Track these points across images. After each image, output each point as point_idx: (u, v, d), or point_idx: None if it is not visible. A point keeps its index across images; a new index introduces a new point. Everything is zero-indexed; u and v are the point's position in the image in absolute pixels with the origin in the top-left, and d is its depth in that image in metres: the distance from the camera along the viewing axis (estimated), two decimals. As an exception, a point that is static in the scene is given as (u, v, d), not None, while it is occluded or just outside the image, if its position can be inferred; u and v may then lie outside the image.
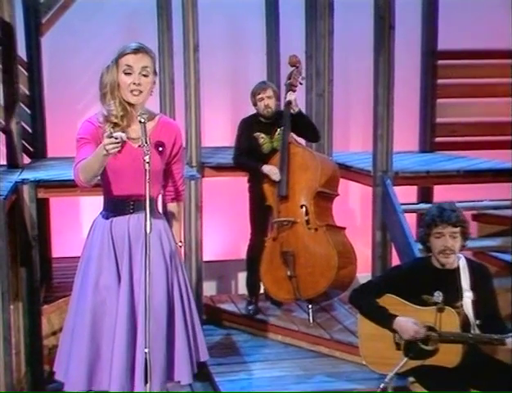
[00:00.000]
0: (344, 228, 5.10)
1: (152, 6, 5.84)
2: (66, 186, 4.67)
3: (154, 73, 3.04)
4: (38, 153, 5.73)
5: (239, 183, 5.35)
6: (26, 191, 4.68)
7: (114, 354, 2.97)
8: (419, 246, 3.88)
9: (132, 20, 6.07)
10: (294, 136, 5.13)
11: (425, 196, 5.88)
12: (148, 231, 2.80)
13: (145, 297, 2.80)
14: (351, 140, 6.52)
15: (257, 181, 5.05)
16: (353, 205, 6.56)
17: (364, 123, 5.67)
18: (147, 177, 2.77)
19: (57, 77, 5.99)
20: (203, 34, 5.77)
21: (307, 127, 5.08)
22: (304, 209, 4.94)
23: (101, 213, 3.14)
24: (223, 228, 6.29)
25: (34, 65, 5.67)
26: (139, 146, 2.93)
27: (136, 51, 2.97)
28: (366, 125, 5.23)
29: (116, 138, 2.73)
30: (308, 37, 5.83)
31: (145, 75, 2.98)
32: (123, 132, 2.95)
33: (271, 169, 4.96)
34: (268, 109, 5.07)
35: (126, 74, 2.97)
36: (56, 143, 5.74)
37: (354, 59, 6.15)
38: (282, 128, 5.05)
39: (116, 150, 2.75)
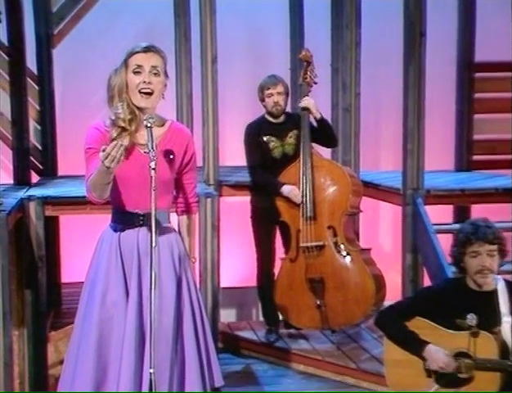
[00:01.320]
0: (370, 250, 5.00)
1: (170, 16, 5.85)
2: (76, 203, 4.68)
3: (166, 74, 3.01)
4: (48, 171, 5.72)
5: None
6: (33, 208, 4.67)
7: (121, 375, 2.94)
8: (453, 269, 3.77)
9: (149, 31, 6.07)
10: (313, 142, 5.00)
11: (462, 216, 5.75)
12: (154, 244, 2.77)
13: (150, 314, 2.77)
14: (381, 158, 6.43)
15: (261, 193, 4.92)
16: (381, 225, 6.45)
17: (395, 139, 5.59)
18: (153, 184, 2.75)
19: (69, 91, 6.00)
20: (223, 47, 5.78)
21: (328, 132, 4.94)
22: (332, 230, 4.83)
23: (109, 225, 3.11)
24: (244, 253, 6.21)
25: (45, 78, 5.69)
26: (144, 152, 2.89)
27: (147, 49, 2.96)
28: (397, 142, 5.15)
29: (109, 153, 2.70)
30: (334, 48, 5.81)
31: (155, 74, 2.96)
32: (132, 137, 2.94)
33: (291, 191, 4.81)
34: (278, 106, 4.94)
35: (135, 73, 2.95)
36: (67, 161, 5.73)
37: (383, 71, 6.09)
38: (295, 131, 4.91)
39: (116, 163, 2.72)
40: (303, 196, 4.81)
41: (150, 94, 2.95)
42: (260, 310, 5.48)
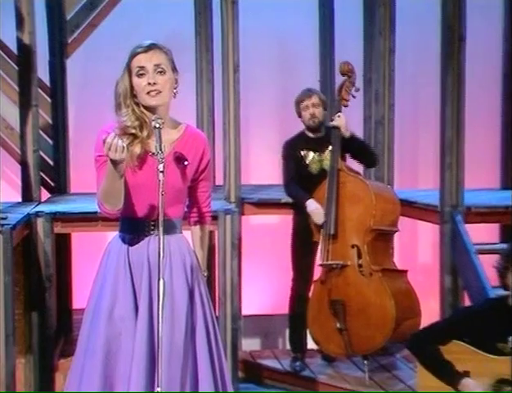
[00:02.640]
0: (406, 272, 4.91)
1: (192, 25, 5.86)
2: (87, 219, 4.68)
3: (174, 70, 2.98)
4: (60, 188, 5.72)
5: (288, 223, 5.20)
6: (40, 224, 4.67)
7: (129, 397, 2.90)
8: (498, 291, 3.68)
9: (169, 40, 6.04)
10: (350, 159, 5.00)
11: (509, 235, 5.60)
12: (161, 253, 2.73)
13: (159, 328, 2.71)
14: (419, 176, 6.34)
15: (302, 211, 4.92)
16: (417, 245, 6.34)
17: (434, 155, 5.49)
18: (161, 189, 2.72)
19: (83, 104, 6.00)
20: (249, 57, 5.76)
21: (361, 151, 4.96)
22: (356, 250, 4.77)
23: (117, 234, 3.07)
24: (271, 278, 6.13)
25: (58, 89, 5.71)
26: (152, 154, 2.87)
27: (147, 49, 2.94)
28: (437, 158, 5.06)
29: (109, 143, 2.68)
30: (366, 57, 5.79)
31: (160, 73, 2.92)
32: (143, 143, 2.91)
33: (314, 209, 4.81)
34: (314, 119, 4.97)
35: (139, 76, 2.93)
36: (80, 178, 5.72)
37: (419, 80, 6.03)
38: (331, 146, 4.90)
39: (121, 153, 2.70)
40: (326, 214, 4.78)
41: (158, 93, 2.92)
42: (286, 339, 5.39)
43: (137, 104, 2.94)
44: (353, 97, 4.90)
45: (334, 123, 4.84)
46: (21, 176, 5.26)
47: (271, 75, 6.22)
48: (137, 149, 2.91)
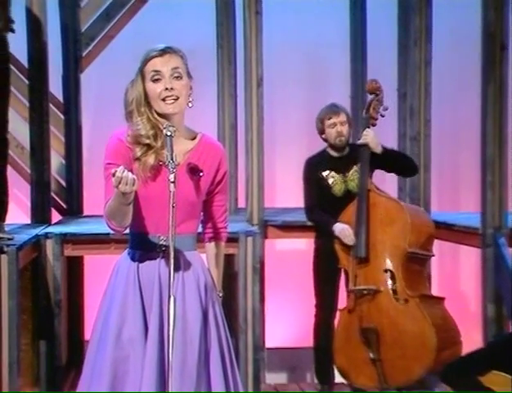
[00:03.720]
0: (443, 299, 4.86)
1: (213, 37, 5.89)
2: (99, 241, 4.69)
3: (189, 76, 2.98)
4: (72, 210, 5.74)
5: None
6: (50, 246, 4.70)
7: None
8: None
9: (190, 54, 6.09)
10: (388, 173, 4.96)
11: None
12: (172, 272, 2.74)
13: (168, 354, 2.71)
14: (460, 197, 6.27)
15: (326, 236, 4.88)
16: (458, 271, 6.26)
17: (475, 173, 5.43)
18: (172, 201, 2.74)
19: (98, 122, 6.02)
20: (274, 71, 5.76)
21: (398, 161, 4.91)
22: (389, 274, 4.73)
23: (126, 251, 3.06)
24: (297, 307, 6.07)
25: (71, 106, 5.75)
26: (162, 162, 2.86)
27: (162, 52, 2.93)
28: (478, 176, 5.00)
29: (119, 177, 2.69)
30: (401, 70, 5.77)
31: (177, 77, 2.92)
32: (157, 154, 2.90)
33: (343, 231, 4.77)
34: (341, 137, 4.92)
35: (155, 81, 2.92)
36: (94, 199, 5.72)
37: (457, 92, 5.98)
38: (359, 165, 4.86)
39: (131, 186, 2.71)
40: (357, 236, 4.76)
41: (175, 99, 2.92)
42: (314, 372, 5.33)
43: (151, 111, 2.93)
44: (382, 116, 4.89)
45: (363, 140, 4.81)
46: (30, 196, 5.30)
47: (298, 90, 6.20)
48: (151, 159, 2.91)
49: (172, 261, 2.74)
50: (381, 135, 4.93)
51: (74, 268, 5.46)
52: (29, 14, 5.23)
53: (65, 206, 5.75)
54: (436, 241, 5.04)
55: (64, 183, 5.77)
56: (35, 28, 5.23)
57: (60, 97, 5.78)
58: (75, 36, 5.72)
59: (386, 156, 4.85)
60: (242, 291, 4.81)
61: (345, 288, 4.94)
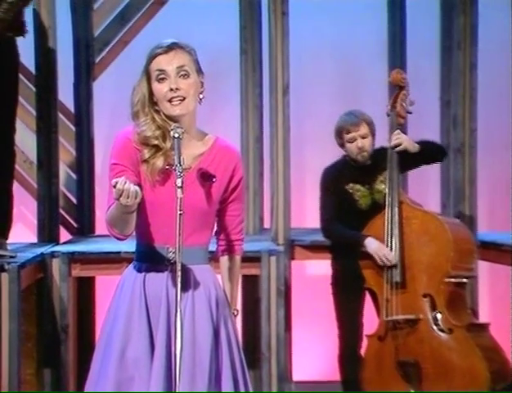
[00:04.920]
0: (488, 325, 4.79)
1: (237, 42, 5.89)
2: (110, 260, 4.68)
3: (199, 72, 2.99)
4: (84, 229, 5.73)
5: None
6: (56, 266, 4.70)
7: None
8: None
9: (213, 61, 6.11)
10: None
11: None
12: (179, 287, 2.75)
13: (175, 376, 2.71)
14: (507, 212, 6.16)
15: (348, 252, 4.79)
16: (508, 295, 6.15)
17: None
18: (179, 209, 2.75)
19: (112, 134, 6.00)
20: (302, 78, 5.75)
21: (430, 151, 4.79)
22: (429, 300, 4.64)
23: (132, 264, 3.07)
24: (330, 337, 6.01)
25: (83, 116, 5.75)
26: (170, 166, 2.85)
27: (167, 49, 2.95)
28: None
29: (120, 189, 2.71)
30: (444, 76, 5.74)
31: (184, 76, 2.93)
32: (166, 156, 2.92)
33: (379, 250, 4.66)
34: (363, 153, 4.81)
35: (160, 80, 2.94)
36: (107, 217, 5.73)
37: (505, 100, 5.84)
38: (386, 174, 4.78)
39: (134, 198, 2.73)
40: None
41: (181, 100, 2.94)
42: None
43: (158, 111, 2.96)
44: (409, 112, 4.79)
45: (394, 142, 4.67)
46: (37, 213, 5.31)
47: (330, 99, 6.13)
48: (160, 162, 2.93)
49: (179, 273, 2.73)
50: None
51: (85, 290, 5.44)
52: (38, 17, 5.25)
53: (75, 225, 5.74)
54: (485, 263, 4.97)
55: (74, 200, 5.76)
56: (44, 32, 5.25)
57: (71, 107, 5.78)
58: (87, 41, 5.73)
59: (423, 152, 4.71)
60: (265, 316, 4.79)
61: (375, 312, 4.85)
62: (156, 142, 2.93)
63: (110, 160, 2.97)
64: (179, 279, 2.75)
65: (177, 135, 2.84)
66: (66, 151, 5.72)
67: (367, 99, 6.14)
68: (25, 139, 5.57)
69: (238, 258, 3.16)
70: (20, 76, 5.46)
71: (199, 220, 2.95)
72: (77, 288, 5.17)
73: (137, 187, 2.75)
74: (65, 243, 5.27)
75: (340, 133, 4.83)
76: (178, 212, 2.73)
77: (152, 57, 2.95)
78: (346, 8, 6.07)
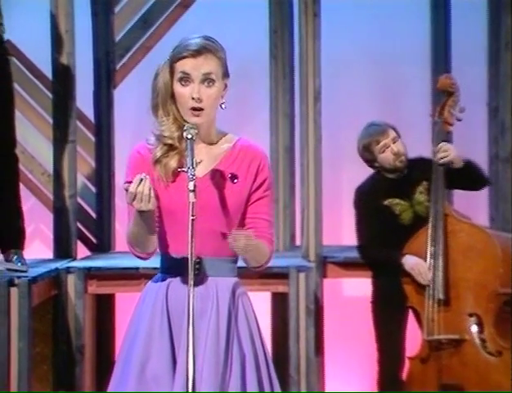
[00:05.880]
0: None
1: (266, 47, 5.90)
2: (128, 276, 4.68)
3: (225, 75, 2.99)
4: (103, 245, 5.76)
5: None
6: (71, 283, 4.72)
7: None
8: None
9: (241, 67, 6.12)
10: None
11: None
12: (191, 300, 2.77)
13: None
14: None
15: (389, 268, 4.79)
16: None
17: None
18: (191, 214, 2.75)
19: (134, 144, 6.02)
20: (336, 84, 5.73)
21: (470, 176, 4.74)
22: (476, 319, 4.62)
23: (155, 276, 3.09)
24: (366, 361, 5.97)
25: (103, 126, 5.80)
26: (181, 170, 2.85)
27: (196, 53, 2.93)
28: None
29: (132, 193, 2.75)
30: (492, 81, 5.72)
31: (208, 84, 2.93)
32: (181, 157, 2.94)
33: (416, 266, 4.66)
34: (401, 157, 4.80)
35: (183, 83, 2.94)
36: (128, 233, 5.74)
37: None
38: (425, 184, 4.78)
39: (147, 202, 2.77)
40: (433, 273, 4.66)
41: (201, 110, 2.94)
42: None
43: (178, 110, 2.96)
44: (458, 120, 4.77)
45: (441, 155, 4.63)
46: (53, 227, 5.31)
47: (367, 107, 6.10)
48: (173, 162, 2.94)
49: (191, 282, 2.74)
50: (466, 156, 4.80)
51: (104, 308, 5.46)
52: (54, 20, 5.28)
53: (93, 240, 5.77)
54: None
55: (93, 214, 5.79)
56: (61, 36, 5.27)
57: (91, 116, 5.83)
58: (108, 46, 5.78)
59: (466, 170, 4.67)
60: (293, 335, 4.78)
61: (419, 333, 4.81)
62: (170, 142, 2.94)
63: (124, 181, 2.98)
64: (191, 292, 2.75)
65: (189, 136, 2.85)
66: (85, 161, 5.76)
67: (407, 107, 6.12)
68: (43, 150, 5.63)
69: (264, 244, 2.99)
70: (37, 83, 5.57)
71: (223, 226, 2.93)
72: (96, 306, 5.19)
73: (151, 189, 2.76)
74: (82, 259, 5.29)
75: (369, 147, 4.82)
76: (190, 217, 2.73)
77: (179, 58, 2.95)
78: (384, 8, 6.02)
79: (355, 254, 5.35)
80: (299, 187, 5.53)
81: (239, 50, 6.03)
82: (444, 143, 4.69)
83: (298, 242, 5.71)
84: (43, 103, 5.53)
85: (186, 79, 2.91)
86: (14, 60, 5.03)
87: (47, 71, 5.45)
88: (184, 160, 2.92)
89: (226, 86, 2.99)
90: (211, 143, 2.98)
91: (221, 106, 2.98)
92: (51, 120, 5.43)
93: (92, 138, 5.84)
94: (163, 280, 3.01)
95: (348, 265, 5.31)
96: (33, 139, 5.62)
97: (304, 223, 5.30)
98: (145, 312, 3.00)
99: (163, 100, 2.96)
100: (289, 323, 4.80)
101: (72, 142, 5.31)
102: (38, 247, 5.84)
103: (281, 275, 4.81)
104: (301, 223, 5.40)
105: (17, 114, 4.88)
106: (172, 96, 2.95)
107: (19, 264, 4.37)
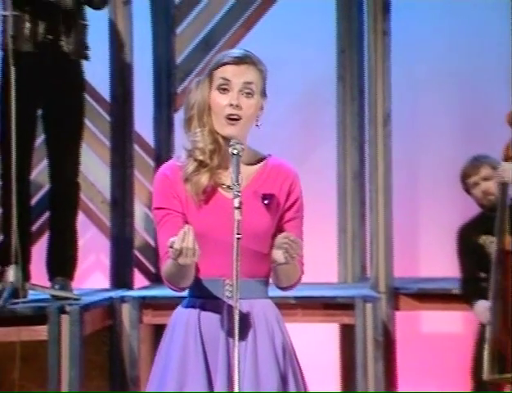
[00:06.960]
0: None
1: (333, 68, 5.94)
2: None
3: (263, 93, 3.04)
4: (163, 276, 5.81)
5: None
6: (126, 312, 4.76)
7: None
8: None
9: (310, 91, 6.19)
10: None
11: None
12: (236, 324, 2.78)
13: None
14: None
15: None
16: None
17: None
18: (236, 232, 2.78)
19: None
20: (409, 107, 5.74)
21: None
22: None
23: (185, 300, 3.09)
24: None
25: (163, 151, 5.86)
26: (227, 187, 2.91)
27: (239, 60, 2.99)
28: None
29: (178, 250, 2.76)
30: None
31: (248, 94, 2.99)
32: (212, 174, 2.97)
33: (480, 313, 4.77)
34: (489, 196, 4.90)
35: (221, 90, 2.98)
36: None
37: None
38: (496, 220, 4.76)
39: (192, 256, 2.78)
40: (491, 315, 4.69)
41: (237, 120, 2.99)
42: None
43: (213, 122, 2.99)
44: None
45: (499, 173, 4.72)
46: (110, 255, 5.40)
47: (447, 131, 6.11)
48: (205, 179, 2.96)
49: (237, 304, 2.76)
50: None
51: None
52: (114, 41, 5.42)
53: (152, 270, 5.83)
54: None
55: (152, 242, 5.86)
56: (121, 57, 5.41)
57: (150, 140, 5.93)
58: (169, 69, 5.87)
59: None
60: (361, 369, 4.78)
61: None
62: (201, 158, 2.96)
63: (152, 206, 3.03)
64: (237, 311, 2.77)
65: (235, 152, 2.88)
66: (143, 187, 5.82)
67: (493, 134, 6.04)
68: (101, 177, 5.74)
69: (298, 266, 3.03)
70: (94, 104, 5.69)
71: (256, 248, 2.95)
72: (153, 337, 5.19)
73: (196, 245, 2.77)
74: (138, 289, 5.35)
75: (462, 179, 5.02)
76: (236, 236, 2.75)
77: (220, 65, 2.99)
78: (463, 23, 6.02)
79: (430, 285, 5.38)
80: (369, 216, 5.56)
81: (305, 72, 6.11)
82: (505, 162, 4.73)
83: (369, 274, 5.74)
84: (101, 126, 5.65)
85: (225, 85, 2.95)
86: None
87: (105, 94, 5.57)
88: (215, 177, 2.96)
89: (262, 107, 3.02)
90: (242, 162, 2.97)
91: (257, 124, 3.01)
92: (108, 143, 5.54)
93: (151, 163, 5.91)
94: (193, 304, 3.01)
95: (423, 297, 5.31)
96: (92, 165, 5.71)
97: (373, 252, 5.31)
98: (178, 338, 2.99)
99: (200, 111, 2.99)
100: (357, 359, 4.81)
101: (130, 167, 5.41)
102: (98, 278, 5.94)
103: (347, 306, 4.83)
104: (370, 253, 5.41)
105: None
106: (209, 108, 2.98)
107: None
